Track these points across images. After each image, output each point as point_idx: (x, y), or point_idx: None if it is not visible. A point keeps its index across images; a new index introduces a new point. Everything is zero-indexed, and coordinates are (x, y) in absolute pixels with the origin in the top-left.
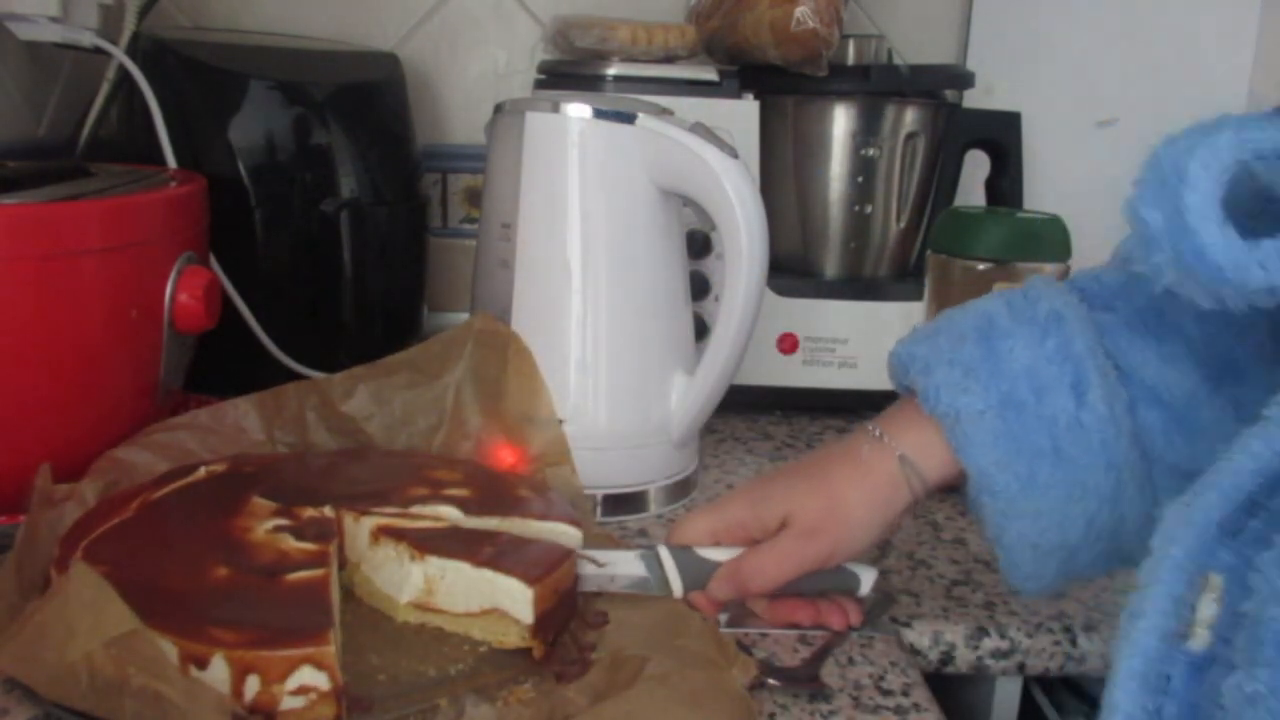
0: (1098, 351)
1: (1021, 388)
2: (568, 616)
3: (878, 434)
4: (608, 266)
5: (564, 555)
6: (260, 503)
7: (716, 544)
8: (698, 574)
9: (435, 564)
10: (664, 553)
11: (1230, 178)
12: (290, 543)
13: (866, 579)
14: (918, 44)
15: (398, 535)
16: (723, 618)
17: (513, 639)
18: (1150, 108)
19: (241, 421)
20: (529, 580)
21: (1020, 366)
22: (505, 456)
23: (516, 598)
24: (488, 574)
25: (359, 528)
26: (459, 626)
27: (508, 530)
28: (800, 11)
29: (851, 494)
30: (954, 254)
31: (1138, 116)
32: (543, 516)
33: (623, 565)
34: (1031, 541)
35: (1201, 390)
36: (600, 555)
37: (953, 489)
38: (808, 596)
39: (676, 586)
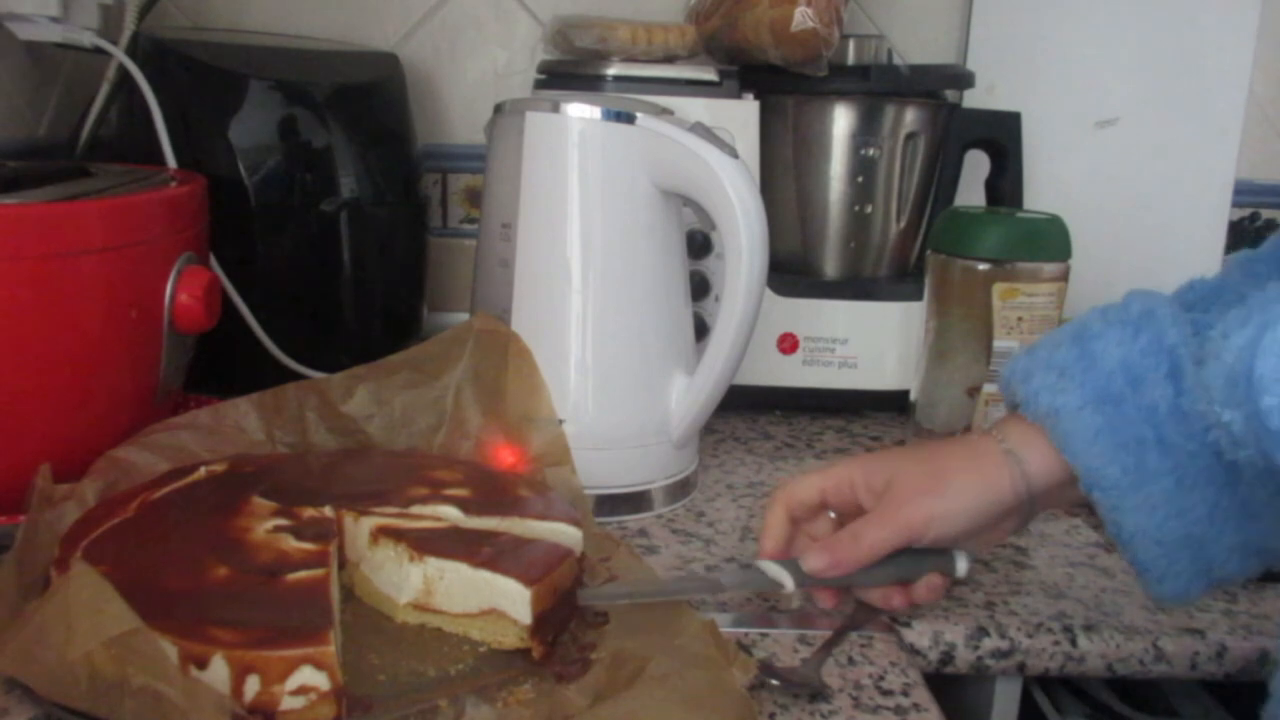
0: (1192, 343)
1: (1117, 381)
2: (568, 617)
3: (990, 431)
4: (608, 266)
5: (563, 555)
6: (260, 503)
7: (824, 502)
8: (801, 575)
9: (434, 564)
10: (764, 564)
11: None
12: (290, 543)
13: (962, 563)
14: (918, 44)
15: (397, 535)
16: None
17: (511, 640)
18: (1150, 108)
19: (241, 421)
20: (527, 581)
21: (1114, 362)
22: (505, 456)
23: (515, 598)
24: (486, 575)
25: (359, 528)
26: (458, 627)
27: (508, 530)
28: (800, 11)
29: (954, 465)
30: (954, 254)
31: (1138, 116)
32: (543, 516)
33: (730, 579)
34: (1153, 536)
35: None
36: (725, 577)
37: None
38: (906, 581)
39: (789, 582)
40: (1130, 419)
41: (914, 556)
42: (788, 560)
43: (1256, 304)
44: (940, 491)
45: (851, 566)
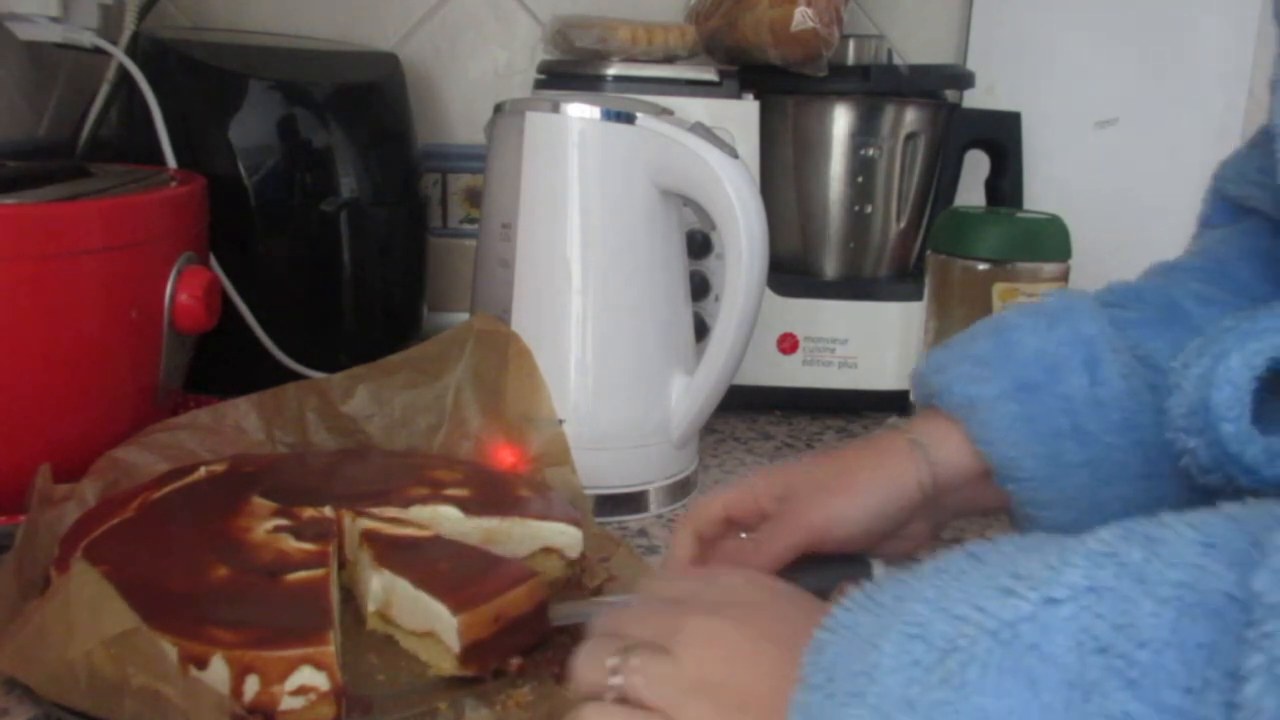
0: (1110, 335)
1: (1034, 370)
2: (521, 643)
3: (899, 428)
4: (608, 266)
5: (517, 579)
6: (260, 503)
7: (728, 517)
8: None
9: (387, 576)
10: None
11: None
12: (290, 543)
13: (878, 570)
14: (918, 44)
15: (371, 540)
16: None
17: (448, 666)
18: (1150, 108)
19: (241, 421)
20: (456, 606)
21: (1030, 352)
22: (505, 456)
23: (445, 623)
24: (422, 595)
25: (354, 529)
26: (410, 644)
27: (508, 530)
28: (800, 11)
29: (858, 463)
30: (954, 254)
31: (1138, 116)
32: (543, 516)
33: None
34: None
35: None
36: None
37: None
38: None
39: None
40: (1047, 408)
41: (823, 566)
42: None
43: (1213, 335)
44: (841, 489)
45: (763, 568)
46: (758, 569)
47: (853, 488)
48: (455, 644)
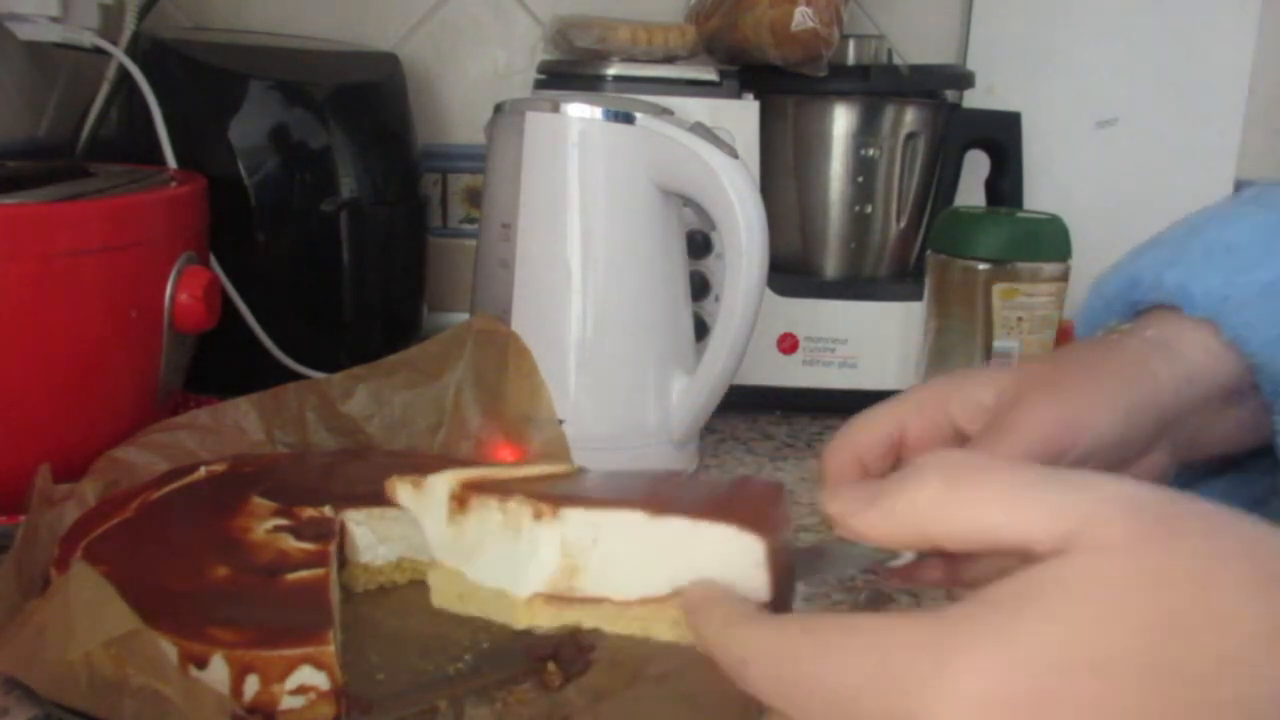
0: None
1: None
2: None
3: (1118, 329)
4: (608, 266)
5: (775, 496)
6: (260, 503)
7: (903, 439)
8: None
9: (583, 521)
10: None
11: None
12: (290, 543)
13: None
14: (918, 44)
15: (503, 492)
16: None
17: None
18: (1150, 108)
19: (241, 421)
20: (758, 529)
21: None
22: (505, 456)
23: (738, 556)
24: (684, 525)
25: (430, 493)
26: (630, 626)
27: None
28: (800, 11)
29: (1091, 359)
30: (954, 254)
31: (1138, 116)
32: None
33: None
34: None
35: None
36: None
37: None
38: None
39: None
40: None
41: (839, 550)
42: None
43: None
44: (1083, 387)
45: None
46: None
47: (1098, 386)
48: (765, 586)
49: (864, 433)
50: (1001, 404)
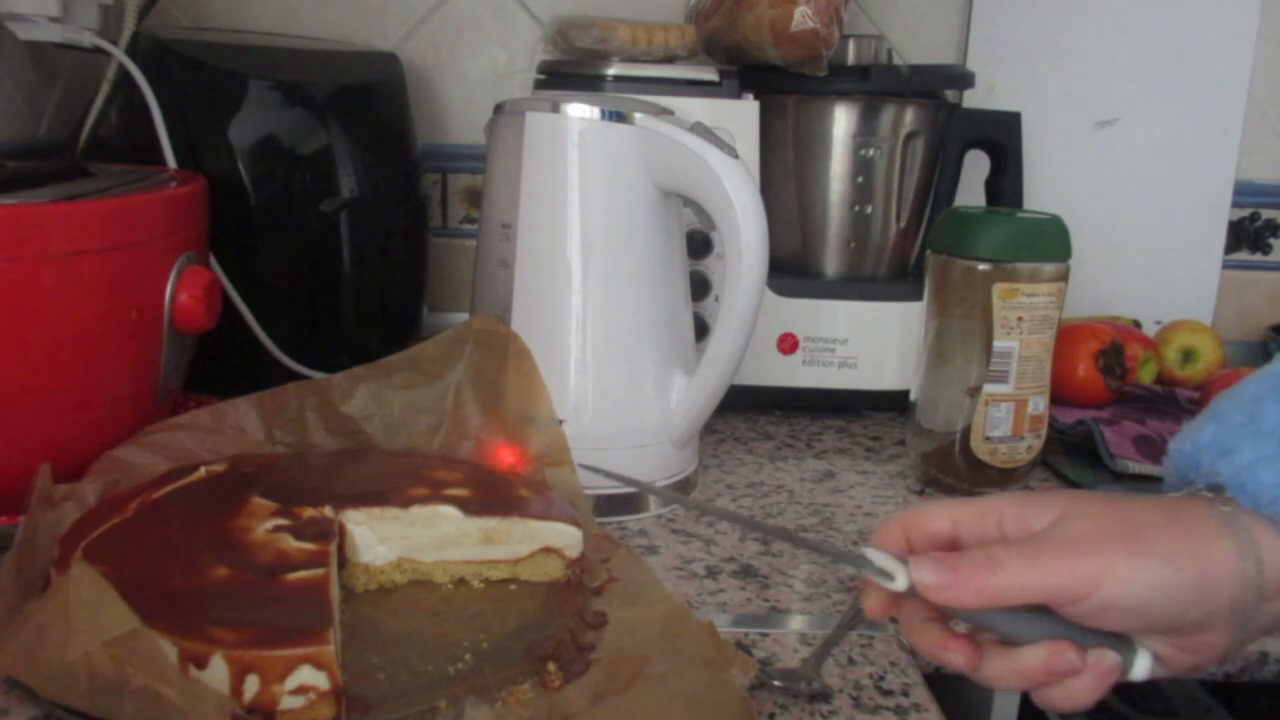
0: None
1: None
2: None
3: (1193, 494)
4: (608, 266)
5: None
6: (260, 503)
7: (954, 536)
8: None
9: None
10: (870, 554)
11: None
12: (290, 543)
13: (1142, 660)
14: (918, 44)
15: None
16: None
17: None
18: (1150, 108)
19: (241, 421)
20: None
21: None
22: (505, 456)
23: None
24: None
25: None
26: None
27: (507, 530)
28: (800, 11)
29: (1152, 519)
30: (954, 254)
31: (1138, 116)
32: (543, 516)
33: (849, 559)
34: None
35: None
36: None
37: None
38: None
39: (901, 579)
40: None
41: (1075, 628)
42: (903, 559)
43: None
44: (1127, 540)
45: (974, 598)
46: (979, 590)
47: (1143, 545)
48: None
49: (921, 520)
50: (1050, 530)
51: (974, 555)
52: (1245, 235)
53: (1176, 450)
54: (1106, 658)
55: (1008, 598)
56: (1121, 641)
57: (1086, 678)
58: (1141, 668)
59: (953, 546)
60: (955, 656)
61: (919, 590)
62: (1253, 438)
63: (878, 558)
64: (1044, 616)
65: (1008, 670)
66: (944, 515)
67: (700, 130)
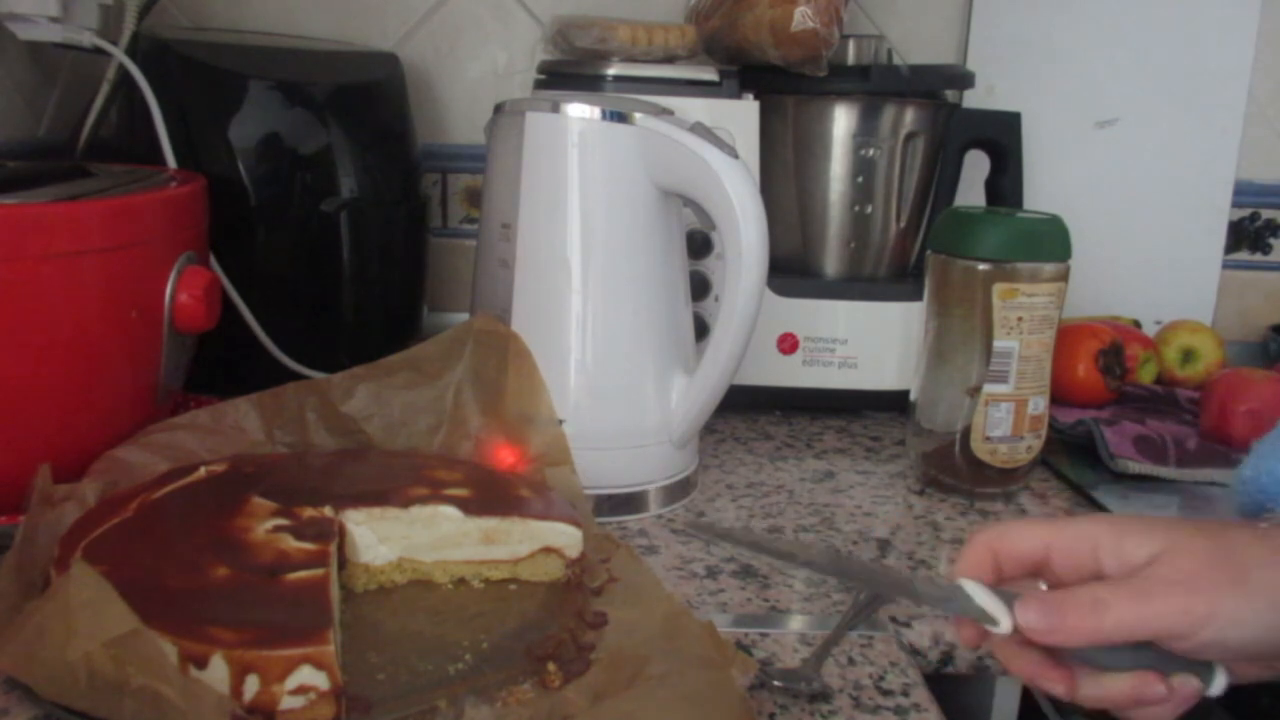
0: None
1: None
2: None
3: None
4: (608, 266)
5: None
6: (260, 503)
7: (1046, 560)
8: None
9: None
10: (968, 586)
11: None
12: (290, 543)
13: (1219, 679)
14: (918, 44)
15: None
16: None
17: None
18: (1150, 108)
19: (241, 421)
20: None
21: None
22: (505, 456)
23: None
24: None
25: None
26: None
27: (507, 530)
28: (800, 11)
29: (1254, 552)
30: (954, 254)
31: (1138, 116)
32: (543, 516)
33: (928, 593)
34: None
35: None
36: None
37: None
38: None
39: (1005, 621)
40: None
41: (1163, 654)
42: (1000, 590)
43: None
44: (1237, 583)
45: (1078, 639)
46: (1084, 632)
47: (1251, 585)
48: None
49: (1011, 542)
50: (1150, 566)
51: (1079, 597)
52: (1245, 235)
53: (1251, 478)
54: (1190, 684)
55: (1114, 639)
56: (1206, 666)
57: (1170, 703)
58: (1219, 685)
59: (1044, 568)
60: (1055, 686)
61: (1024, 632)
62: None
63: (978, 595)
64: (1141, 648)
65: (1098, 696)
66: (1036, 539)
67: (700, 130)
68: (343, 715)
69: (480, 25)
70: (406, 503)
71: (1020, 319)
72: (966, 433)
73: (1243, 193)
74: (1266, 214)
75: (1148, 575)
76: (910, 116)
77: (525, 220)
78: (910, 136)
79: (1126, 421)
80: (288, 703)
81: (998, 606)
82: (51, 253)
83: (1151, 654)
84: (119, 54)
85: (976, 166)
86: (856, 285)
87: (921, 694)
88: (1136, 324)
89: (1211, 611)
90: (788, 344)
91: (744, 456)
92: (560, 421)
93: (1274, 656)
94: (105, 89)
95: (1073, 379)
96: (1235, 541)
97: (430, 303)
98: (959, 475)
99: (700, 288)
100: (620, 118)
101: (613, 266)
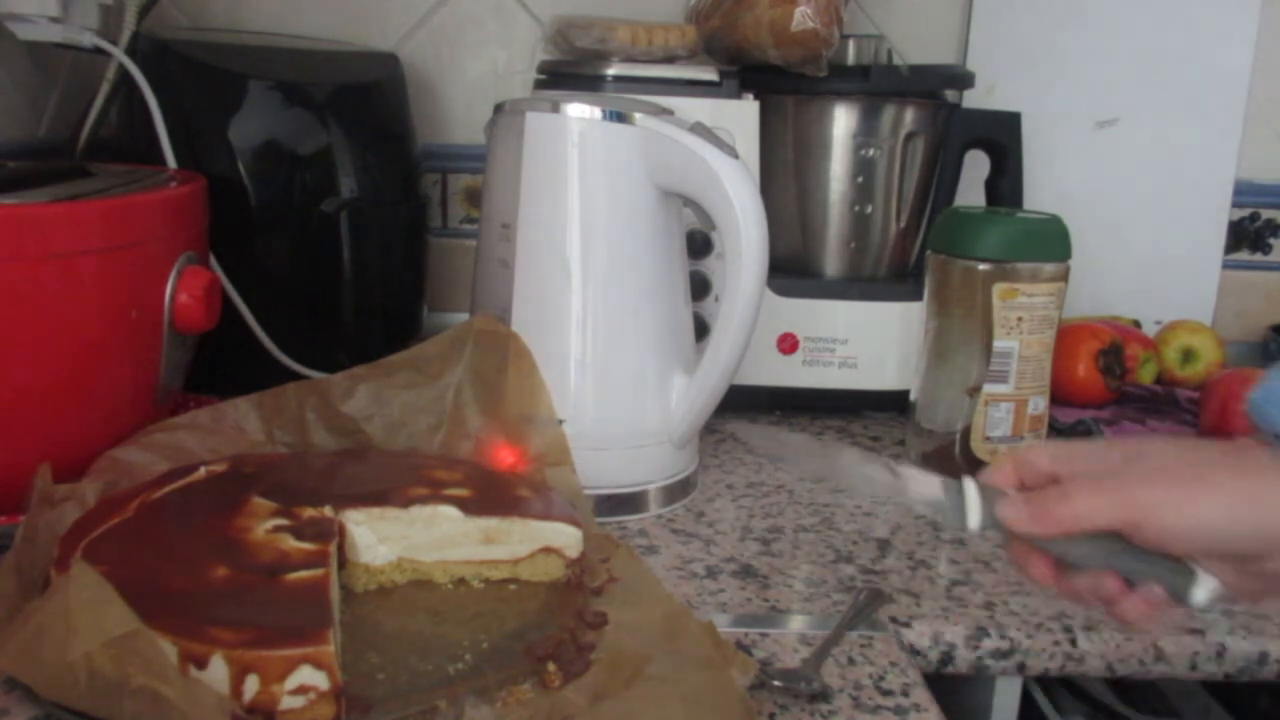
0: None
1: None
2: None
3: (1263, 441)
4: (608, 266)
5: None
6: (260, 503)
7: (1052, 471)
8: (992, 516)
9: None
10: (969, 485)
11: None
12: (290, 543)
13: (1203, 586)
14: (918, 44)
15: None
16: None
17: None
18: (1150, 108)
19: (241, 421)
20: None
21: None
22: (505, 456)
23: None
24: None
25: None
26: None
27: (507, 530)
28: (800, 11)
29: (1218, 461)
30: (954, 254)
31: (1138, 116)
32: (543, 516)
33: (921, 483)
34: None
35: None
36: (899, 466)
37: None
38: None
39: (973, 518)
40: None
41: (1141, 555)
42: (992, 489)
43: None
44: (1184, 479)
45: (1049, 526)
46: (1052, 521)
47: (1203, 482)
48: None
49: (1029, 459)
50: (1124, 467)
51: (1050, 492)
52: (1245, 235)
53: (1254, 399)
54: (1154, 591)
55: (1079, 526)
56: (1185, 571)
57: (1137, 602)
58: (1202, 595)
59: (1055, 479)
60: (1037, 570)
61: (1006, 524)
62: None
63: (970, 493)
64: (1116, 546)
65: (1069, 588)
66: (1047, 456)
67: (700, 130)
68: (342, 715)
69: (480, 25)
70: (406, 503)
71: (1020, 319)
72: (966, 433)
73: (1243, 193)
74: (1266, 214)
75: (1116, 473)
76: (910, 116)
77: (525, 220)
78: (910, 136)
79: (1126, 421)
80: (288, 703)
81: (974, 504)
82: (51, 253)
83: (1128, 557)
84: (119, 54)
85: (976, 166)
86: (856, 285)
87: (921, 694)
88: (1136, 324)
89: (1159, 501)
90: (788, 344)
91: (744, 456)
92: (560, 421)
93: (1236, 555)
94: (105, 89)
95: (1073, 379)
96: (1203, 450)
97: (430, 303)
98: (959, 475)
99: (700, 288)
100: (620, 118)
101: (613, 266)
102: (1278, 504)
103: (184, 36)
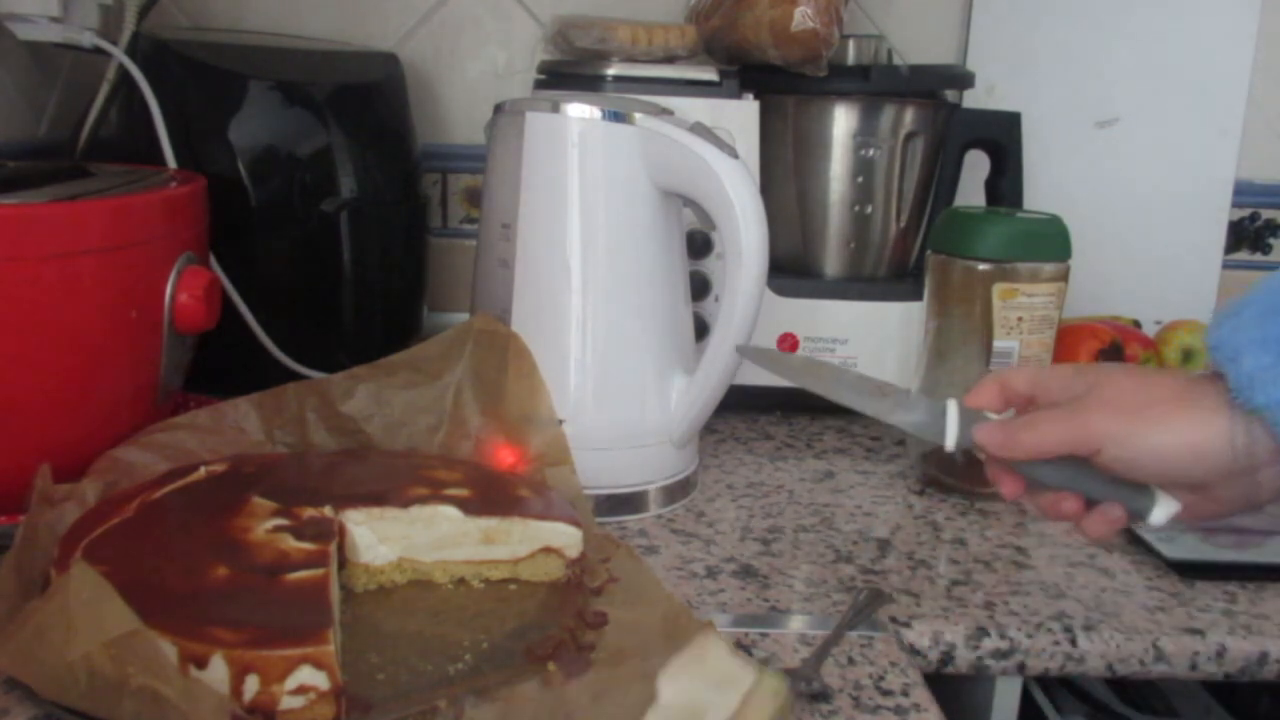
0: None
1: None
2: None
3: (1214, 375)
4: (608, 266)
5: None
6: (260, 503)
7: (1031, 395)
8: (968, 436)
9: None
10: (951, 406)
11: None
12: (290, 543)
13: (1162, 508)
14: (918, 44)
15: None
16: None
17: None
18: (1150, 108)
19: (241, 421)
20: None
21: None
22: (505, 456)
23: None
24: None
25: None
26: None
27: (507, 530)
28: (800, 11)
29: (1163, 394)
30: (954, 254)
31: (1138, 116)
32: (543, 516)
33: (905, 405)
34: None
35: None
36: (888, 386)
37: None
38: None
39: (950, 438)
40: None
41: (1104, 479)
42: (972, 412)
43: None
44: (1134, 412)
45: (1017, 451)
46: (1019, 445)
47: (1149, 414)
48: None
49: (1011, 378)
50: (1085, 395)
51: (1020, 420)
52: (1245, 235)
53: (1209, 340)
54: (1113, 510)
55: (1042, 451)
56: (1146, 494)
57: (1097, 520)
58: (1160, 515)
59: (1033, 401)
60: (1009, 487)
61: (982, 447)
62: (1255, 349)
63: (951, 414)
64: (1082, 469)
65: (1035, 503)
66: (1026, 377)
67: (700, 130)
68: (342, 715)
69: (480, 25)
70: (406, 503)
71: (1020, 319)
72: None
73: (1243, 193)
74: (1266, 214)
75: (1079, 402)
76: (910, 116)
77: (525, 220)
78: (910, 136)
79: None
80: (288, 703)
81: (952, 425)
82: (51, 253)
83: (1092, 479)
84: (119, 54)
85: (976, 166)
86: (856, 285)
87: (921, 694)
88: (1136, 324)
89: (1109, 431)
90: (788, 344)
91: (744, 456)
92: (560, 421)
93: (1183, 482)
94: (105, 89)
95: None
96: (1155, 384)
97: (430, 303)
98: (959, 475)
99: (700, 288)
100: (620, 118)
101: (613, 266)
102: (1221, 438)
103: (184, 36)
